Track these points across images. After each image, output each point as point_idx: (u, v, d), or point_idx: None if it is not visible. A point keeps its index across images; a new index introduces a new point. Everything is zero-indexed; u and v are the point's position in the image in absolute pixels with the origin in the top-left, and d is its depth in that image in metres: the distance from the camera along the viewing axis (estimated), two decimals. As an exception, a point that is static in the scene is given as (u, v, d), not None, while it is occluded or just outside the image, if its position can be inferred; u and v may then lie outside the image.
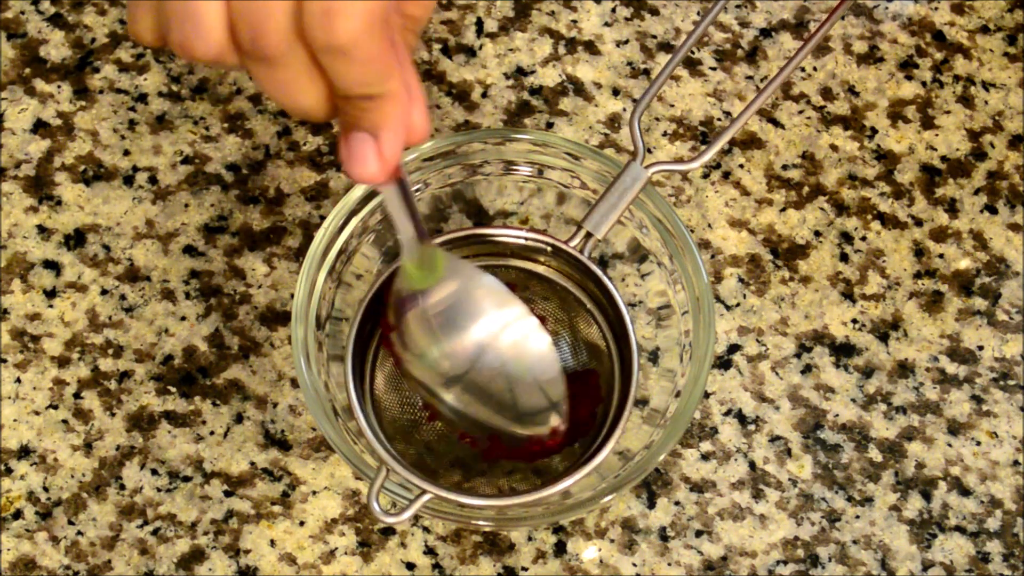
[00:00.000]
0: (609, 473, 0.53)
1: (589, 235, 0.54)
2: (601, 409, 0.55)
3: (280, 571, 0.56)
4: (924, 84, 0.64)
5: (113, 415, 0.58)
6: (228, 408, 0.58)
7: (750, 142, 0.63)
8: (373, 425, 0.53)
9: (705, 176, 0.62)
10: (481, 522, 0.52)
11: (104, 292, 0.60)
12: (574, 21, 0.65)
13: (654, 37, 0.65)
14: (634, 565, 0.56)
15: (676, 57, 0.54)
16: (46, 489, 0.57)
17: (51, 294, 0.60)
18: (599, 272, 0.54)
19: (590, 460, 0.52)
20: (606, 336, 0.56)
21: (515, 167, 0.57)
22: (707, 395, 0.59)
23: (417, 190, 0.56)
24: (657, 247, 0.56)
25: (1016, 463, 0.58)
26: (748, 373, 0.59)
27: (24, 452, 0.57)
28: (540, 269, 0.57)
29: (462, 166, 0.56)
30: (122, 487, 0.57)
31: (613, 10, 0.65)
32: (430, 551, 0.56)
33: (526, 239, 0.55)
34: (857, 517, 0.57)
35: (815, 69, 0.64)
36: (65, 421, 0.58)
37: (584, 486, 0.53)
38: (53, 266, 0.60)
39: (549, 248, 0.55)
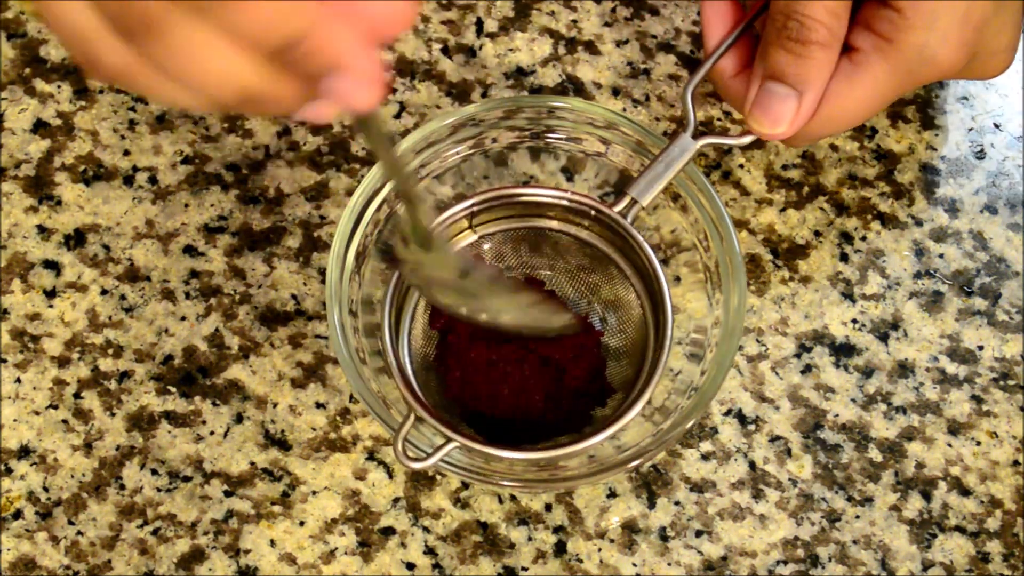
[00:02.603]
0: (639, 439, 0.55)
1: (634, 202, 0.54)
2: (626, 370, 0.57)
3: (280, 571, 0.56)
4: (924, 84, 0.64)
5: (113, 415, 0.58)
6: (228, 408, 0.58)
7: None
8: (404, 369, 0.54)
9: (705, 176, 0.62)
10: (512, 482, 0.53)
11: (104, 292, 0.60)
12: (574, 21, 0.65)
13: (654, 37, 0.65)
14: (634, 565, 0.56)
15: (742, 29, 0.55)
16: (46, 489, 0.57)
17: (51, 294, 0.60)
18: (640, 238, 0.55)
19: (623, 416, 0.53)
20: (643, 303, 0.56)
21: (549, 136, 0.57)
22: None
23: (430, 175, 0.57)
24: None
25: (1016, 463, 0.58)
26: (748, 373, 0.59)
27: (24, 452, 0.57)
28: (583, 234, 0.57)
29: (483, 138, 0.57)
30: (122, 487, 0.57)
31: (613, 10, 0.65)
32: (430, 551, 0.56)
33: (569, 201, 0.56)
34: (857, 517, 0.57)
35: (815, 69, 0.64)
36: (65, 421, 0.58)
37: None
38: (53, 266, 0.60)
39: (592, 212, 0.55)
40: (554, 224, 0.57)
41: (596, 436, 0.53)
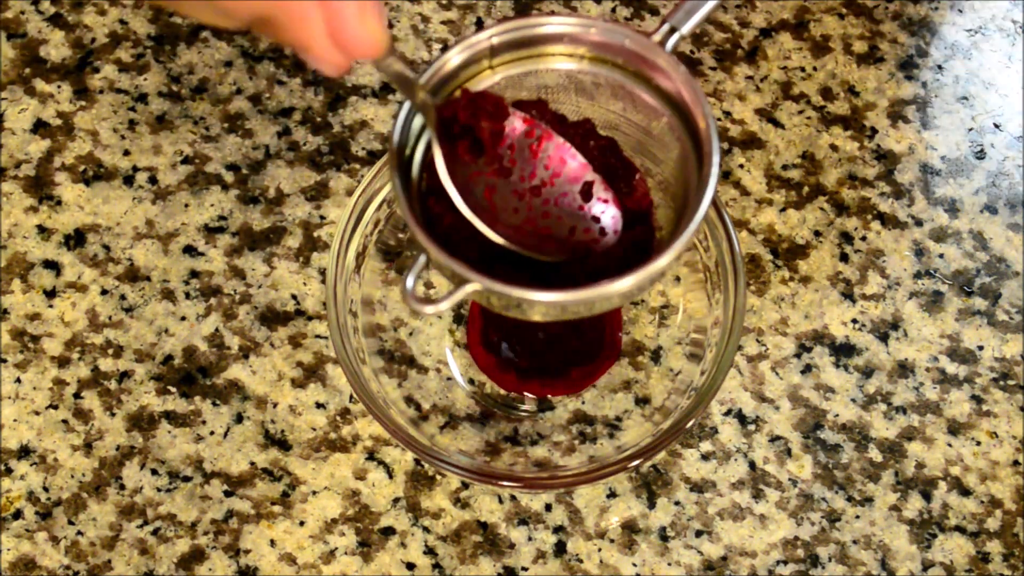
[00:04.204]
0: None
1: (673, 30, 0.49)
2: (671, 210, 0.51)
3: (280, 571, 0.56)
4: (924, 84, 0.64)
5: (113, 415, 0.58)
6: (228, 408, 0.58)
7: (750, 142, 0.63)
8: (416, 214, 0.48)
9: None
10: (512, 482, 0.52)
11: (104, 292, 0.60)
12: (574, 21, 0.65)
13: (654, 37, 0.65)
14: (634, 565, 0.56)
15: None
16: (46, 489, 0.57)
17: (51, 294, 0.60)
18: (682, 68, 0.49)
19: (676, 239, 0.47)
20: (683, 140, 0.50)
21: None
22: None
23: None
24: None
25: (1016, 463, 0.58)
26: (748, 373, 0.59)
27: (24, 452, 0.57)
28: (616, 74, 0.50)
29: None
30: (122, 487, 0.57)
31: (613, 10, 0.65)
32: (430, 551, 0.56)
33: (599, 31, 0.49)
34: (857, 517, 0.57)
35: (815, 69, 0.64)
36: (65, 421, 0.58)
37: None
38: (53, 266, 0.60)
39: (626, 41, 0.49)
40: (583, 65, 0.51)
41: (641, 268, 0.46)
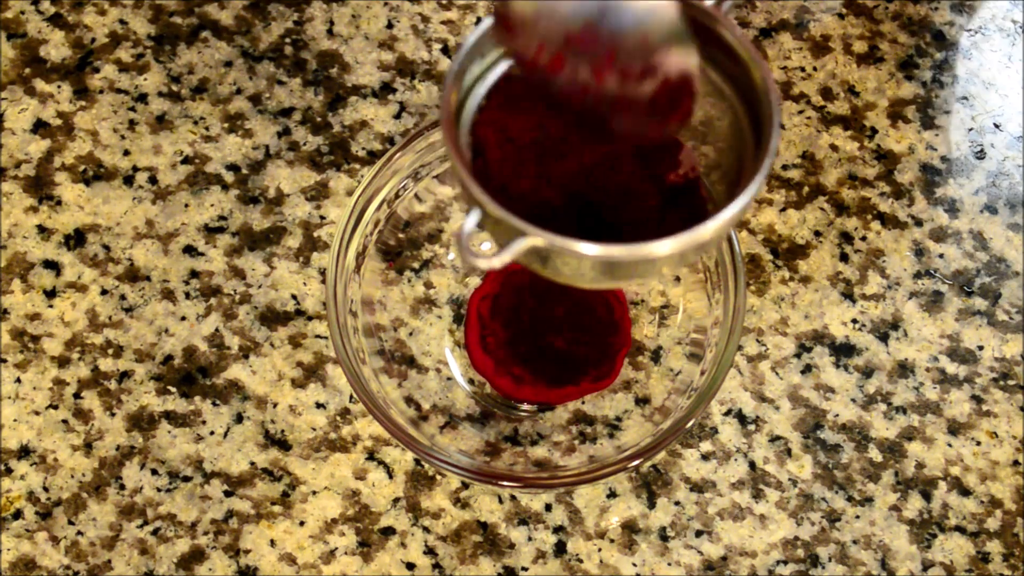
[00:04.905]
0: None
1: None
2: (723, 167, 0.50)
3: (280, 571, 0.56)
4: (924, 84, 0.64)
5: (113, 415, 0.58)
6: (228, 408, 0.58)
7: None
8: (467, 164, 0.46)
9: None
10: (512, 483, 0.52)
11: (104, 292, 0.60)
12: (574, 21, 0.65)
13: (654, 37, 0.65)
14: (634, 565, 0.56)
15: None
16: (46, 489, 0.57)
17: (51, 294, 0.60)
18: (738, 30, 0.47)
19: (726, 207, 0.46)
20: (736, 110, 0.49)
21: None
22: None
23: None
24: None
25: (1016, 463, 0.58)
26: (748, 373, 0.59)
27: (24, 452, 0.57)
28: None
29: None
30: (122, 487, 0.57)
31: None
32: (430, 551, 0.56)
33: None
34: (857, 517, 0.57)
35: (815, 69, 0.64)
36: (65, 421, 0.58)
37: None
38: (53, 266, 0.60)
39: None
40: None
41: (702, 225, 0.45)
